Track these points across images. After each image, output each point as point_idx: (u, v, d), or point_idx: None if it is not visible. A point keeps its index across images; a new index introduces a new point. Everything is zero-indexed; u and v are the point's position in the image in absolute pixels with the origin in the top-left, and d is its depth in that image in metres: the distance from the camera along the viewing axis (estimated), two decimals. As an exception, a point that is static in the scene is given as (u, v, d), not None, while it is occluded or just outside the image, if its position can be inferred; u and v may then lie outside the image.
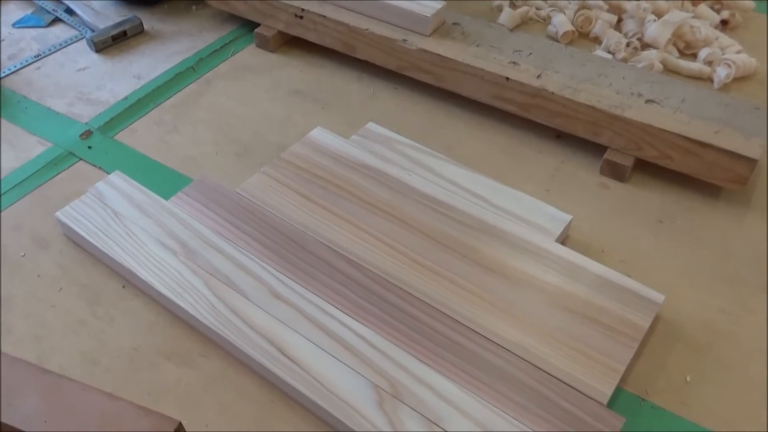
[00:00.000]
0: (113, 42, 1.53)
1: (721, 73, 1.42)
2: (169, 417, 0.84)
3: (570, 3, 1.61)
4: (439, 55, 1.31)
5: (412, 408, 0.87)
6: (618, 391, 0.93)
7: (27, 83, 1.43)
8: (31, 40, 1.56)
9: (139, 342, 0.98)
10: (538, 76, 1.26)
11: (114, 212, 1.10)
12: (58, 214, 1.10)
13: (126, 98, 1.39)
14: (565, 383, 0.90)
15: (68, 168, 1.25)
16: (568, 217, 1.12)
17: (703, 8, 1.60)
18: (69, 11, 1.62)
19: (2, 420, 0.83)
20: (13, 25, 1.60)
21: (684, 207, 1.20)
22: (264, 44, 1.53)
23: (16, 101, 1.39)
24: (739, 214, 1.19)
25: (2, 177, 1.22)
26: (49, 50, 1.52)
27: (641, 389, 0.94)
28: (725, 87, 1.43)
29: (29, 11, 1.64)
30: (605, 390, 0.89)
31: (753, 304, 1.05)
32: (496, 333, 0.95)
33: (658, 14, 1.54)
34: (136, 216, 1.10)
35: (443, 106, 1.39)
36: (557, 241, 1.09)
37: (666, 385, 0.95)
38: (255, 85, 1.44)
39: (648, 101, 1.22)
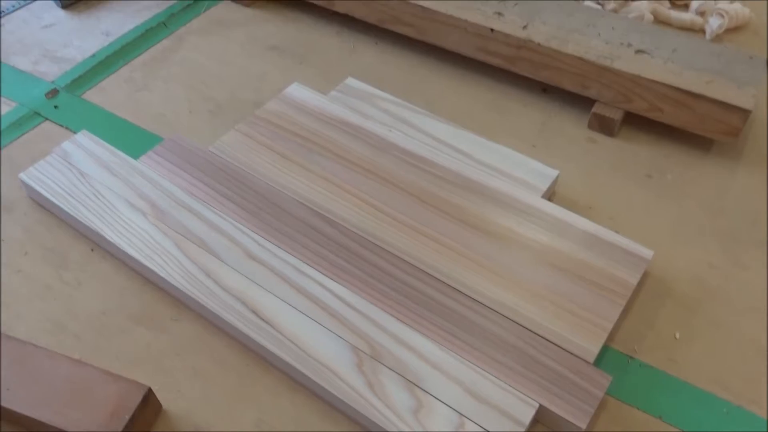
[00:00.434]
0: (80, -3, 1.46)
1: (714, 24, 1.37)
2: (138, 383, 0.80)
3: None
4: (420, 6, 1.25)
5: (391, 369, 0.84)
6: (605, 350, 0.91)
7: (-11, 41, 1.37)
8: (-6, -4, 1.49)
9: (108, 306, 0.94)
10: (524, 27, 1.21)
11: (80, 172, 1.05)
12: (22, 175, 1.05)
13: (94, 55, 1.33)
14: (550, 342, 0.87)
15: (34, 128, 1.19)
16: (554, 173, 1.08)
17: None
18: (34, -34, 1.54)
19: (-38, 388, 0.80)
20: (-25, -20, 1.52)
21: (674, 161, 1.16)
22: (239, -2, 1.47)
23: (-22, 60, 1.32)
24: (731, 167, 1.15)
25: (-36, 138, 1.16)
26: (13, 7, 1.45)
27: (629, 347, 0.91)
28: (718, 38, 1.38)
29: (-9, -34, 1.56)
30: (592, 348, 0.87)
31: (745, 260, 1.02)
32: (479, 291, 0.92)
33: (649, -37, 1.48)
34: (104, 176, 1.05)
35: (426, 60, 1.34)
36: (543, 197, 1.05)
37: (655, 342, 0.92)
38: (230, 41, 1.38)
39: (638, 52, 1.17)
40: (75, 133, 1.16)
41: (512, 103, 1.26)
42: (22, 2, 1.46)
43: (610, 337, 0.92)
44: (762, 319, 0.94)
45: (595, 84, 1.17)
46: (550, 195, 1.09)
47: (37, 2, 1.46)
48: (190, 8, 1.46)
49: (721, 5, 1.40)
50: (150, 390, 0.80)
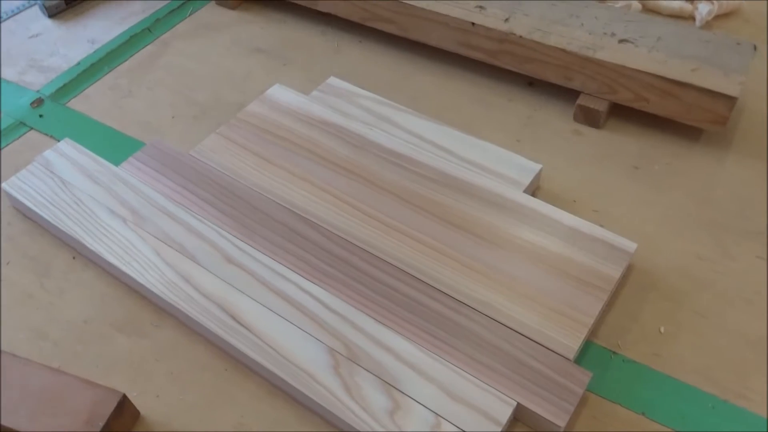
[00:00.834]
0: (67, 6, 1.47)
1: (703, 10, 1.34)
2: (113, 389, 0.80)
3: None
4: (398, 2, 1.24)
5: (368, 371, 0.83)
6: (588, 345, 0.89)
7: (-24, 52, 1.38)
8: (-18, 7, 1.50)
9: (90, 314, 0.94)
10: (506, 20, 1.20)
11: (62, 181, 1.06)
12: (4, 185, 1.06)
13: (79, 63, 1.33)
14: (530, 339, 0.86)
15: (19, 138, 1.20)
16: (537, 167, 1.06)
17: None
18: (22, -24, 1.55)
19: (-61, 399, 0.80)
20: (-36, -7, 1.53)
21: (661, 152, 1.14)
22: (223, 1, 1.46)
23: (-35, 72, 1.33)
24: (719, 157, 1.13)
25: (-50, 150, 1.17)
26: (0, 18, 1.46)
27: (612, 342, 0.90)
28: (708, 25, 1.36)
29: (-20, -22, 1.57)
30: (572, 345, 0.85)
31: (734, 251, 0.99)
32: (458, 290, 0.91)
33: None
34: (85, 184, 1.05)
35: (409, 57, 1.33)
36: (526, 191, 1.04)
37: (639, 336, 0.90)
38: (214, 44, 1.38)
39: (621, 41, 1.15)
40: (59, 141, 1.16)
41: (497, 97, 1.25)
42: (10, 13, 1.47)
43: (593, 332, 0.91)
44: (751, 311, 0.92)
45: (579, 75, 1.16)
46: (533, 189, 1.08)
47: (24, 12, 1.47)
48: (175, 13, 1.46)
49: (711, -9, 1.37)
50: (125, 396, 0.80)
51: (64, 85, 1.29)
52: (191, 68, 1.33)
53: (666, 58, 1.11)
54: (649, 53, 1.13)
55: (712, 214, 1.04)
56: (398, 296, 0.91)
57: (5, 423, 0.77)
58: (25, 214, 1.07)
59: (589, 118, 1.18)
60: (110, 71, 1.32)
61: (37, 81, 1.31)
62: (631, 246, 0.95)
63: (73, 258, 1.01)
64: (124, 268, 0.94)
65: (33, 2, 1.49)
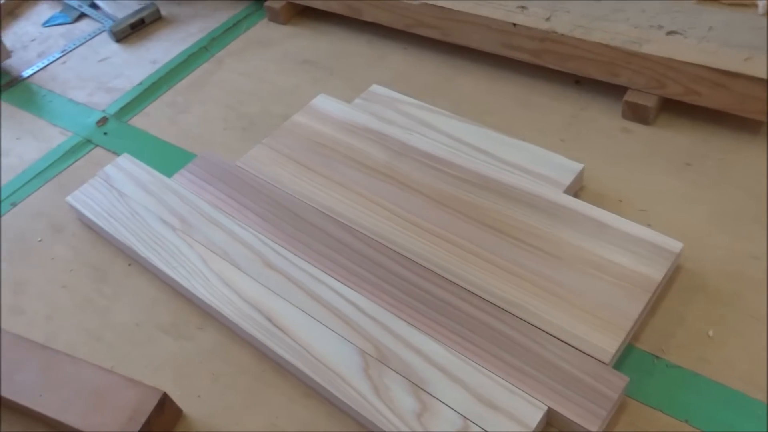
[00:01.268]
0: (132, 30, 1.56)
1: (766, -3, 1.27)
2: (155, 388, 0.84)
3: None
4: (439, 7, 1.24)
5: (397, 372, 0.83)
6: (630, 349, 0.86)
7: (52, 78, 1.49)
8: (59, 36, 1.62)
9: (140, 318, 1.00)
10: (547, 19, 1.17)
11: (119, 193, 1.12)
12: (69, 198, 1.13)
13: (141, 83, 1.42)
14: (564, 342, 0.84)
15: (85, 155, 1.28)
16: (578, 167, 1.03)
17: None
18: (93, 5, 1.67)
19: (2, 393, 0.87)
20: (43, 24, 1.66)
21: (715, 147, 1.08)
22: (275, 17, 1.51)
23: (42, 96, 1.44)
24: (780, 149, 1.06)
25: (24, 169, 1.27)
26: (74, 45, 1.57)
27: (656, 346, 0.86)
28: (772, 11, 1.28)
29: (58, 10, 1.70)
30: (609, 348, 0.82)
31: (794, 249, 0.93)
32: (491, 292, 0.90)
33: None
34: (140, 195, 1.11)
35: (452, 61, 1.33)
36: (568, 192, 1.01)
37: (684, 340, 0.86)
38: (264, 59, 1.43)
39: (669, 33, 1.11)
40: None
41: (541, 97, 1.22)
42: (83, 40, 1.57)
43: (635, 336, 0.87)
44: (810, 313, 0.86)
45: (625, 71, 1.12)
46: (576, 190, 1.05)
47: (96, 38, 1.58)
48: (229, 32, 1.52)
49: (775, -24, 1.29)
50: (166, 395, 0.84)
51: (127, 104, 1.37)
52: (242, 83, 1.38)
53: (717, 49, 1.06)
54: (699, 44, 1.08)
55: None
56: (427, 297, 0.91)
57: (59, 418, 0.83)
58: (88, 225, 1.14)
59: (637, 114, 1.14)
60: (169, 89, 1.40)
61: (103, 101, 1.40)
62: (676, 246, 0.91)
63: (129, 265, 1.07)
64: (171, 274, 0.99)
65: (103, 29, 1.59)
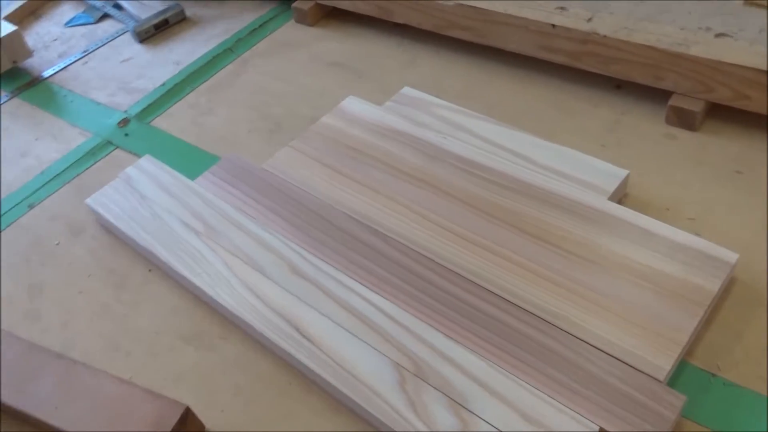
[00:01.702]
0: (156, 31, 1.53)
1: (816, -1, 1.21)
2: (178, 402, 0.80)
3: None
4: (474, 7, 1.20)
5: (435, 388, 0.78)
6: (683, 366, 0.80)
7: (74, 78, 1.46)
8: (81, 37, 1.59)
9: (160, 326, 0.95)
10: (589, 20, 1.13)
11: (141, 195, 1.08)
12: (88, 200, 1.09)
13: (164, 84, 1.38)
14: (615, 358, 0.78)
15: (106, 156, 1.24)
16: (623, 173, 0.98)
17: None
18: (117, 6, 1.64)
19: (16, 406, 0.82)
20: (66, 24, 1.63)
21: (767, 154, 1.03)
22: (302, 18, 1.48)
23: (62, 96, 1.41)
24: (838, 157, 1.00)
25: (43, 170, 1.23)
26: (96, 45, 1.54)
27: (711, 363, 0.80)
28: (822, 15, 1.22)
29: (81, 10, 1.67)
30: (663, 365, 0.76)
31: None
32: (535, 303, 0.84)
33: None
34: (162, 198, 1.07)
35: (486, 63, 1.28)
36: (611, 199, 0.96)
37: (742, 357, 0.80)
38: (292, 61, 1.39)
39: (718, 35, 1.05)
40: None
41: (580, 102, 1.17)
42: (105, 40, 1.54)
43: (689, 352, 0.81)
44: None
45: (670, 74, 1.07)
46: (620, 197, 1.00)
47: (118, 39, 1.55)
48: (255, 33, 1.48)
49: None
50: (188, 409, 0.79)
51: (149, 105, 1.33)
52: (268, 85, 1.34)
53: (770, 51, 1.01)
54: (751, 47, 1.02)
55: (830, 222, 0.92)
56: (469, 309, 0.85)
57: None
58: (107, 228, 1.10)
59: (683, 119, 1.08)
60: (192, 91, 1.36)
61: (125, 102, 1.36)
62: (731, 256, 0.85)
63: (149, 270, 1.02)
64: (194, 280, 0.94)
65: (126, 29, 1.56)
